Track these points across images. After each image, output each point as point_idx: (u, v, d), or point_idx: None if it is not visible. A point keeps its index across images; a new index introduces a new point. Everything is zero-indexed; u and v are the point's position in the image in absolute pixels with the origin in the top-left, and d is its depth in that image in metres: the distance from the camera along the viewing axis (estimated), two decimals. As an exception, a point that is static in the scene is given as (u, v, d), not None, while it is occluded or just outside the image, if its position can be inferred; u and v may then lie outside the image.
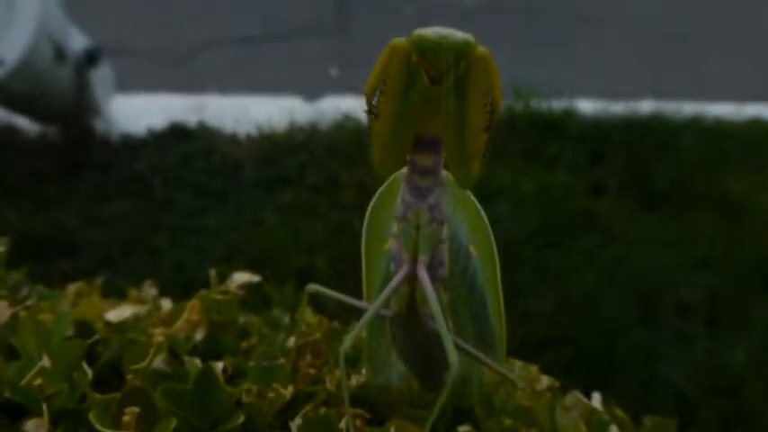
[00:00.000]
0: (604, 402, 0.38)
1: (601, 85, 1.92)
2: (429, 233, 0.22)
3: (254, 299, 0.44)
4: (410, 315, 0.23)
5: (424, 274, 0.22)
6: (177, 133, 1.70)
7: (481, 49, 0.20)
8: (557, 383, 0.39)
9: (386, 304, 0.23)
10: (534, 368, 0.40)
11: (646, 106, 1.82)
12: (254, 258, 1.40)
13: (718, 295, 1.43)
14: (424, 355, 0.25)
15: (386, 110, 0.21)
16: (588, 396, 0.37)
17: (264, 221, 1.50)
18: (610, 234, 1.53)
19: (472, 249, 0.25)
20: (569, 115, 1.75)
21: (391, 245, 0.23)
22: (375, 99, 0.21)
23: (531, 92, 1.76)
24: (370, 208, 0.25)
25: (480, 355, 0.25)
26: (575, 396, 0.36)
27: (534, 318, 1.36)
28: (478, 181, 0.22)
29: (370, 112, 0.21)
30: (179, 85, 1.88)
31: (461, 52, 0.20)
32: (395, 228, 0.23)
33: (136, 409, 0.20)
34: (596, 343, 1.32)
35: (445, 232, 0.23)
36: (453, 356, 0.20)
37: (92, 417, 0.19)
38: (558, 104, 1.76)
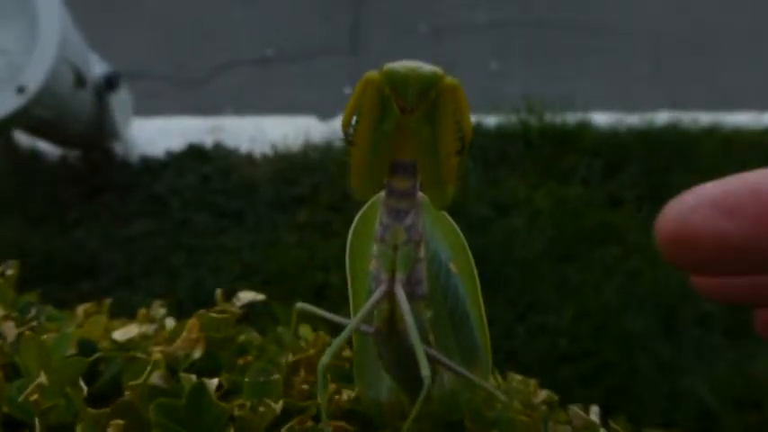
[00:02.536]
0: (613, 416, 0.38)
1: (615, 98, 1.91)
2: (406, 252, 0.23)
3: (263, 316, 0.45)
4: (390, 331, 0.24)
5: (401, 292, 0.23)
6: (195, 155, 1.73)
7: (449, 79, 0.21)
8: (555, 398, 0.39)
9: (369, 321, 0.24)
10: (533, 382, 0.40)
11: (662, 117, 1.81)
12: (270, 277, 1.42)
13: (741, 306, 1.40)
14: (408, 369, 0.25)
15: (361, 138, 0.22)
16: (587, 410, 0.37)
17: (281, 240, 1.52)
18: (628, 246, 1.51)
19: (452, 266, 0.26)
20: (584, 128, 1.75)
21: (373, 264, 0.24)
22: (351, 128, 0.22)
23: (545, 105, 1.76)
24: (351, 230, 0.26)
25: (461, 369, 0.25)
26: (572, 410, 0.36)
27: (552, 332, 1.35)
28: (454, 202, 0.23)
29: (346, 141, 0.22)
30: (196, 107, 1.92)
31: (429, 84, 0.21)
32: (374, 249, 0.24)
33: (120, 422, 0.21)
34: (617, 357, 1.31)
35: (422, 251, 0.24)
36: (426, 370, 0.21)
37: (79, 430, 0.20)
38: (572, 117, 1.76)
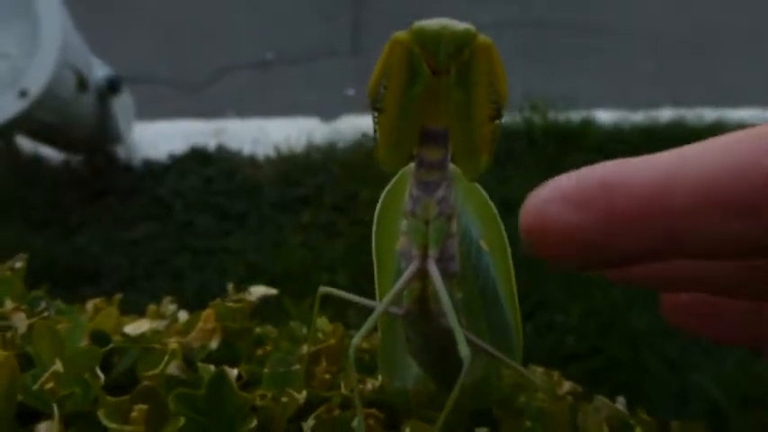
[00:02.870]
0: (630, 406, 0.37)
1: (619, 96, 1.90)
2: (438, 227, 0.22)
3: (273, 314, 0.44)
4: (422, 312, 0.23)
5: (434, 269, 0.22)
6: (198, 157, 1.72)
7: (482, 37, 0.20)
8: (579, 389, 0.38)
9: (397, 302, 0.23)
10: (556, 373, 0.39)
11: (665, 114, 1.80)
12: (275, 277, 1.41)
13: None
14: (439, 354, 0.24)
15: (390, 104, 0.20)
16: (613, 401, 0.36)
17: (285, 241, 1.51)
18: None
19: (483, 244, 0.24)
20: (588, 126, 1.74)
21: (401, 242, 0.23)
22: (379, 94, 0.21)
23: (548, 104, 1.76)
24: (378, 207, 0.25)
25: (496, 352, 0.24)
26: (599, 400, 0.35)
27: (560, 330, 1.34)
28: (484, 175, 0.21)
29: (374, 107, 0.21)
30: (198, 110, 1.91)
31: (462, 42, 0.19)
32: (404, 225, 0.23)
33: (144, 407, 0.20)
34: (624, 354, 1.30)
35: (455, 226, 0.23)
36: (465, 350, 0.20)
37: (101, 414, 0.19)
38: (575, 116, 1.75)
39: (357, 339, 0.21)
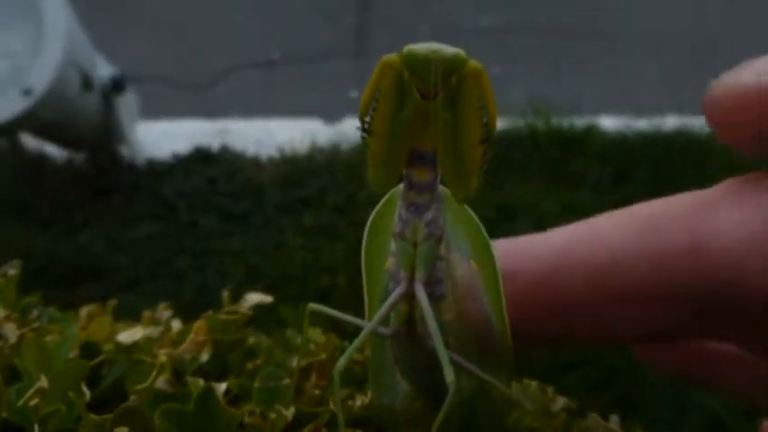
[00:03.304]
0: (624, 425, 0.37)
1: (623, 102, 1.90)
2: (426, 249, 0.22)
3: (269, 320, 0.44)
4: (409, 334, 0.23)
5: (421, 292, 0.22)
6: (201, 157, 1.72)
7: (473, 63, 0.20)
8: (573, 405, 0.38)
9: (385, 323, 0.23)
10: (550, 389, 0.39)
11: (670, 122, 1.80)
12: (275, 280, 1.41)
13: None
14: (426, 374, 0.24)
15: (379, 127, 0.21)
16: (606, 418, 0.35)
17: (286, 243, 1.51)
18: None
19: (472, 264, 0.24)
20: (591, 132, 1.73)
21: (390, 263, 0.23)
22: (368, 116, 0.21)
23: (552, 109, 1.75)
24: (367, 226, 0.25)
25: (483, 374, 0.24)
26: (593, 418, 0.35)
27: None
28: (475, 196, 0.21)
29: (363, 129, 0.21)
30: (202, 110, 1.91)
31: (452, 67, 0.19)
32: (393, 246, 0.23)
33: (125, 429, 0.20)
34: (624, 365, 1.29)
35: (443, 248, 0.23)
36: (450, 375, 0.20)
37: (81, 437, 0.19)
38: (579, 121, 1.75)
39: (342, 362, 0.21)
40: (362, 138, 0.21)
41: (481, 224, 0.24)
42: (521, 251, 0.18)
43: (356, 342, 0.22)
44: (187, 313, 0.46)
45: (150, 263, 1.49)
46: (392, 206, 0.23)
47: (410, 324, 0.22)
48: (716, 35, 2.13)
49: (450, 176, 0.21)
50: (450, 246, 0.23)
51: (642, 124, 1.79)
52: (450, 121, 0.20)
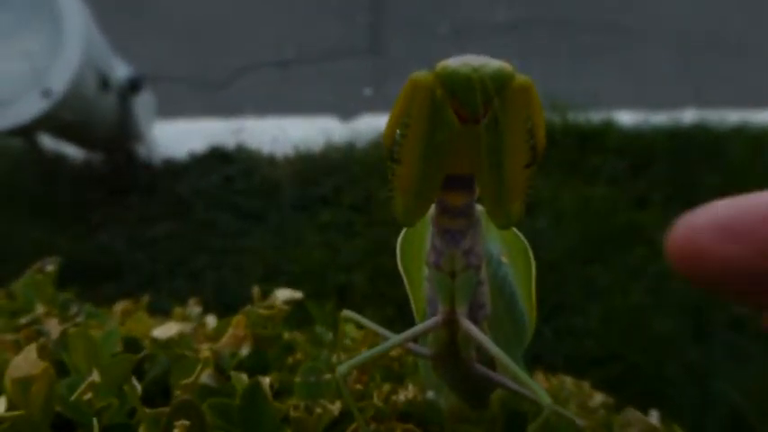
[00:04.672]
0: (662, 420, 0.37)
1: (639, 97, 1.88)
2: (466, 280, 0.20)
3: (293, 316, 0.44)
4: (451, 357, 0.22)
5: (467, 323, 0.20)
6: (217, 156, 1.73)
7: (520, 77, 0.17)
8: (611, 400, 0.37)
9: (424, 341, 0.22)
10: (586, 384, 0.39)
11: (688, 116, 1.78)
12: (293, 277, 1.41)
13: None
14: (470, 389, 0.24)
15: (409, 154, 0.18)
16: (644, 413, 0.35)
17: (303, 241, 1.51)
18: (656, 248, 1.49)
19: (504, 259, 0.23)
20: (609, 126, 1.72)
21: (425, 288, 0.21)
22: (395, 143, 0.18)
23: (569, 104, 1.74)
24: (398, 251, 0.23)
25: (522, 389, 0.23)
26: (631, 413, 0.34)
27: (579, 334, 1.33)
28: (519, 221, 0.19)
29: (391, 158, 0.18)
30: (218, 108, 1.92)
31: (498, 86, 0.17)
32: (426, 272, 0.21)
33: (186, 423, 0.19)
34: (645, 360, 1.28)
35: (484, 272, 0.21)
36: (545, 398, 0.19)
37: (141, 431, 0.19)
38: (596, 116, 1.73)
39: (345, 368, 0.20)
40: (389, 167, 0.18)
41: (521, 235, 0.23)
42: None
43: (368, 353, 0.21)
44: (206, 311, 0.46)
45: (168, 261, 1.50)
46: (423, 230, 0.21)
47: (452, 350, 0.21)
48: (733, 29, 2.10)
49: (491, 202, 0.19)
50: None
51: (659, 118, 1.77)
52: (493, 145, 0.18)
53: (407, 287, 0.25)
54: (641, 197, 1.58)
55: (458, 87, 0.16)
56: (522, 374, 0.21)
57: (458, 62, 0.17)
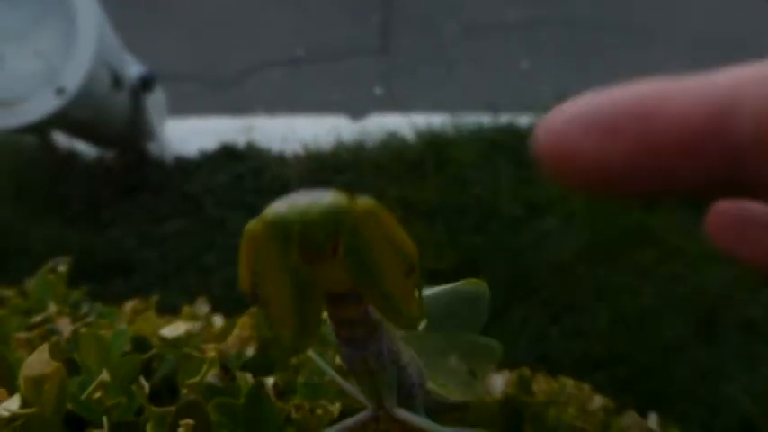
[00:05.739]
0: (661, 423, 0.37)
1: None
2: (385, 379, 0.19)
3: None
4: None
5: (404, 415, 0.19)
6: (228, 154, 1.74)
7: (362, 205, 0.16)
8: (611, 404, 0.38)
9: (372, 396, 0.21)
10: (587, 387, 0.39)
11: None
12: (302, 276, 1.42)
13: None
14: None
15: (274, 294, 0.17)
16: (644, 416, 0.35)
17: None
18: (666, 249, 1.48)
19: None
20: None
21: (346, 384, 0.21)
22: (256, 286, 0.17)
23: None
24: None
25: None
26: (631, 416, 0.35)
27: (587, 336, 1.33)
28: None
29: (255, 303, 0.17)
30: (228, 107, 1.93)
31: (334, 222, 0.15)
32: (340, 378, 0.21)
33: (191, 422, 0.20)
34: (654, 362, 1.28)
35: (405, 356, 0.20)
36: None
37: (149, 429, 0.20)
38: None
39: None
40: (259, 310, 0.17)
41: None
42: (690, 93, 0.16)
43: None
44: (216, 308, 0.47)
45: (179, 258, 1.51)
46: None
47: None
48: (746, 32, 2.09)
49: (383, 311, 0.18)
50: None
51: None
52: (359, 269, 0.16)
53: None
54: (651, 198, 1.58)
55: (289, 234, 0.15)
56: None
57: (284, 206, 0.16)
